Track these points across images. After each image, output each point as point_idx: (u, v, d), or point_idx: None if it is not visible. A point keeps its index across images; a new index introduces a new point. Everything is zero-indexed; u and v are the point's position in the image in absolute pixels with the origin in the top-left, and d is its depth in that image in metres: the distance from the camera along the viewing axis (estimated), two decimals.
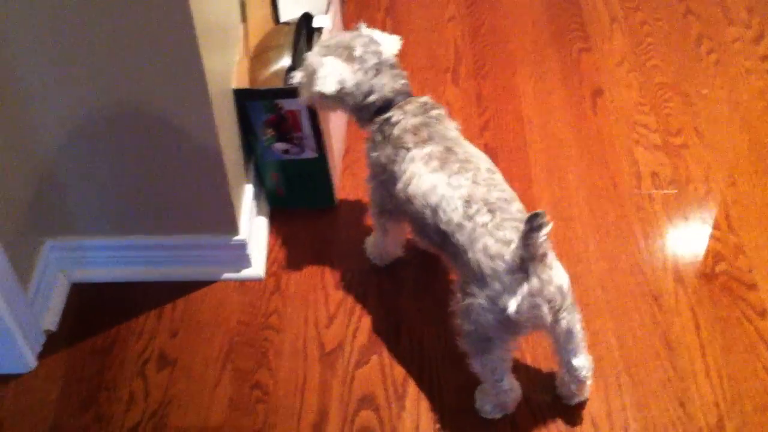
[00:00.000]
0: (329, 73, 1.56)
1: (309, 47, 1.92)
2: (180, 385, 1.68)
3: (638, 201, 1.99)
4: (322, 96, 1.58)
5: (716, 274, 1.82)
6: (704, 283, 1.81)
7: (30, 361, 1.70)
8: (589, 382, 1.57)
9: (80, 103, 1.56)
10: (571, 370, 1.53)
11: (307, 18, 1.92)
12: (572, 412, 1.60)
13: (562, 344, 1.49)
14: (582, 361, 1.52)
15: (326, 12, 1.95)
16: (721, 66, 2.34)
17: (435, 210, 1.46)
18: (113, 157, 1.66)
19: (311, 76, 1.58)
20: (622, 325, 1.74)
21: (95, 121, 1.59)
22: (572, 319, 1.45)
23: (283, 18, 2.07)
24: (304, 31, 1.91)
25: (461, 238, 1.41)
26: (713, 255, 1.86)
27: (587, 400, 1.61)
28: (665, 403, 1.61)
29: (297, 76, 1.65)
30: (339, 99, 1.60)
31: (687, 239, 1.90)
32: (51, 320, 1.77)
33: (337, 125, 2.00)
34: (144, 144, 1.63)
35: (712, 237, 1.90)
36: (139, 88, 1.53)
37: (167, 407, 1.64)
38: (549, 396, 1.62)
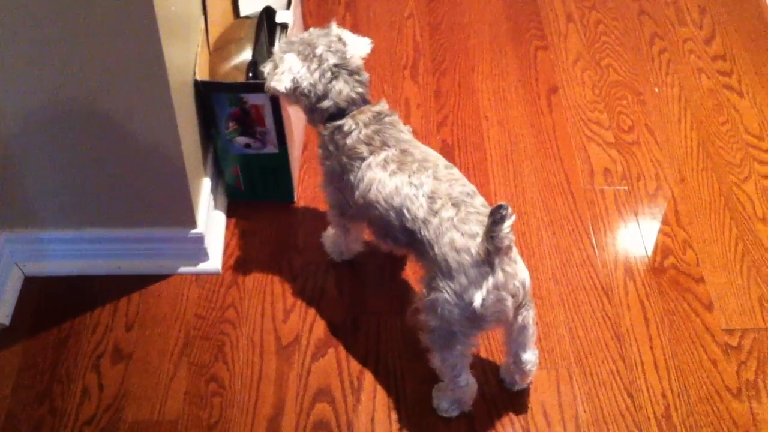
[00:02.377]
0: (285, 70, 1.54)
1: (270, 42, 1.93)
2: (135, 378, 1.68)
3: (591, 196, 2.03)
4: (277, 93, 1.58)
5: (665, 268, 1.87)
6: (653, 277, 1.85)
7: None
8: (533, 373, 1.61)
9: (37, 94, 1.54)
10: (518, 362, 1.56)
11: (268, 12, 1.92)
12: (524, 403, 1.63)
13: (514, 337, 1.52)
14: (530, 356, 1.56)
15: (288, 7, 1.95)
16: (673, 65, 2.39)
17: (400, 210, 1.46)
18: (71, 149, 1.65)
19: (272, 70, 1.58)
20: (574, 317, 1.78)
21: (52, 112, 1.57)
22: (528, 315, 1.49)
23: (243, 12, 2.07)
24: (266, 25, 1.91)
25: (427, 233, 1.42)
26: (662, 249, 1.91)
27: (530, 387, 1.65)
28: (614, 394, 1.65)
29: (267, 68, 1.61)
30: (294, 97, 1.59)
31: (637, 234, 1.95)
32: (4, 314, 1.75)
33: (296, 120, 2.00)
34: (102, 136, 1.62)
35: (662, 232, 1.95)
36: (99, 79, 1.52)
37: (122, 401, 1.64)
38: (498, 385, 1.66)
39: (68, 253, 1.84)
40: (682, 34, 2.49)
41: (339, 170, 1.57)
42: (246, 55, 1.87)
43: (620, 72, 2.37)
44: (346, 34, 1.61)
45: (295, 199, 2.01)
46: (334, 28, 1.61)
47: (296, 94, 1.57)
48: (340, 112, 1.56)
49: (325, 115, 1.57)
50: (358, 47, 1.60)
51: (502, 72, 2.38)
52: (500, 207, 1.26)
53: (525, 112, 2.26)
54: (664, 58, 2.41)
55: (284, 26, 1.93)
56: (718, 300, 1.80)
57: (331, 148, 1.57)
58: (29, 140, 1.62)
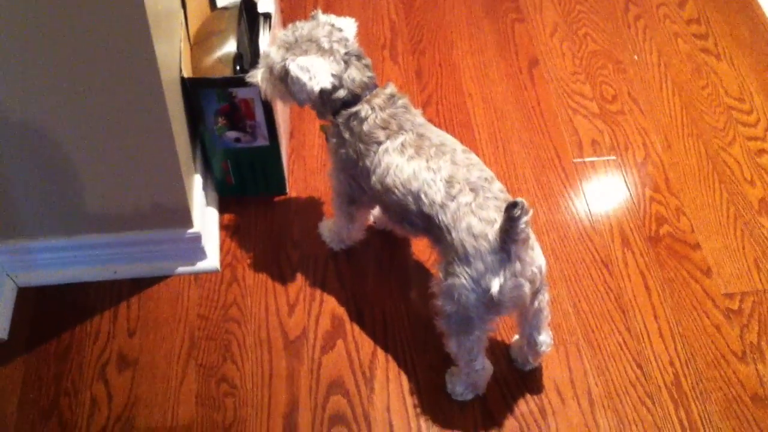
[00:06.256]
0: (317, 71, 1.48)
1: (251, 32, 1.89)
2: (144, 385, 1.65)
3: (581, 169, 2.04)
4: (313, 93, 1.50)
5: (661, 237, 1.89)
6: (650, 246, 1.87)
7: None
8: (546, 353, 1.62)
9: (24, 98, 1.49)
10: (532, 344, 1.57)
11: (247, 2, 1.88)
12: (537, 382, 1.65)
13: (530, 320, 1.53)
14: (545, 338, 1.57)
15: None
16: (649, 31, 2.40)
17: (417, 195, 1.45)
18: (61, 154, 1.59)
19: (278, 74, 1.52)
20: (577, 292, 1.79)
21: (40, 116, 1.52)
22: (544, 299, 1.49)
23: (219, 3, 2.02)
24: (245, 16, 1.87)
25: (445, 218, 1.41)
26: (656, 218, 1.93)
27: (541, 365, 1.66)
28: (624, 365, 1.67)
29: (257, 75, 1.57)
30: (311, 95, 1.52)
31: (630, 204, 1.96)
32: (1, 327, 1.71)
33: (280, 110, 1.97)
34: (94, 139, 1.57)
35: (654, 200, 1.97)
36: (88, 79, 1.47)
37: (133, 409, 1.62)
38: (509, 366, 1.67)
39: (61, 260, 1.79)
40: (655, 0, 2.50)
41: (354, 157, 1.54)
42: (229, 47, 1.83)
43: (598, 41, 2.37)
44: (335, 20, 1.57)
45: (287, 191, 1.98)
46: (322, 17, 1.57)
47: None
48: (355, 99, 1.53)
49: (338, 104, 1.53)
50: (349, 29, 1.57)
51: (482, 48, 2.37)
52: (515, 204, 1.26)
53: (508, 87, 2.25)
54: (640, 25, 2.42)
55: (267, 16, 1.89)
56: (715, 265, 1.83)
57: (346, 135, 1.54)
58: (13, 147, 1.57)
